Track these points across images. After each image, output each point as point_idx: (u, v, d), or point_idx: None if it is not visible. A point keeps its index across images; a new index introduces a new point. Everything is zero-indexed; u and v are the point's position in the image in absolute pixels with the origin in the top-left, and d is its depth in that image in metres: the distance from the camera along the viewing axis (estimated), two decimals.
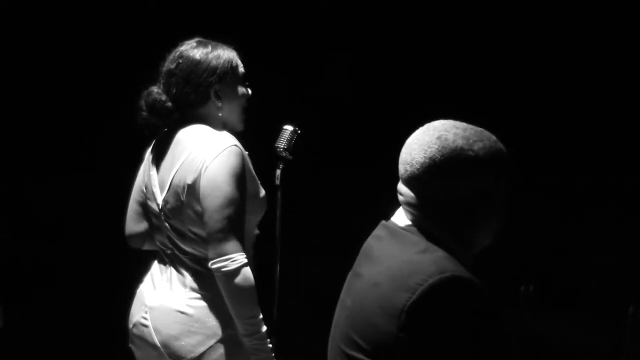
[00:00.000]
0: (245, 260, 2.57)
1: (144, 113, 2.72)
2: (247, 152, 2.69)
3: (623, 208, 4.87)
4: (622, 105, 4.91)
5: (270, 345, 2.62)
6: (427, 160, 1.78)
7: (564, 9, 4.85)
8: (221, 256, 2.54)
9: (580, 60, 4.93)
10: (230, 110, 2.74)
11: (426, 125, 1.85)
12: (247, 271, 2.56)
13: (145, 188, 2.80)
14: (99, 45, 5.04)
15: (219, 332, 2.63)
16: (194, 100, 2.69)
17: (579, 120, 5.00)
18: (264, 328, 2.60)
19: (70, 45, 5.05)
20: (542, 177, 5.12)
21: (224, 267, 2.54)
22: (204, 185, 2.57)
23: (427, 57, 5.15)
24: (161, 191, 2.71)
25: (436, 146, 1.78)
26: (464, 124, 1.84)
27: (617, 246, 4.74)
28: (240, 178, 2.59)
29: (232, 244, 2.55)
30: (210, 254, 2.57)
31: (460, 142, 1.78)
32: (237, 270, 2.54)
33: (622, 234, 4.73)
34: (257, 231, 2.80)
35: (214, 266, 2.55)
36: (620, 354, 4.41)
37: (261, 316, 2.59)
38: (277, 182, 3.02)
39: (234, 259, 2.55)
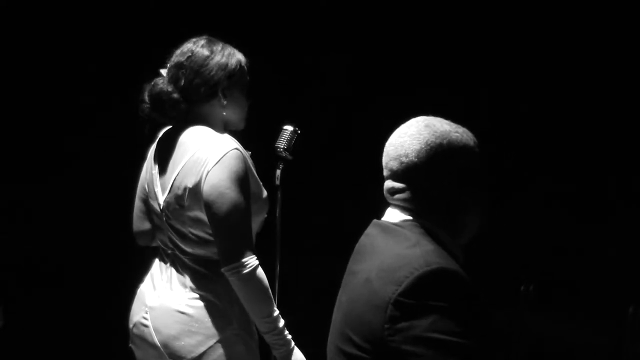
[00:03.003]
0: (257, 262, 2.58)
1: (147, 105, 2.71)
2: (249, 152, 2.69)
3: (623, 208, 4.87)
4: (618, 105, 4.91)
5: (290, 337, 2.64)
6: (423, 146, 1.85)
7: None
8: (233, 262, 2.55)
9: (590, 60, 4.93)
10: (233, 110, 2.74)
11: (404, 125, 1.92)
12: (260, 273, 2.58)
13: (147, 187, 2.80)
14: (99, 45, 5.04)
15: (219, 332, 2.64)
16: (202, 94, 2.69)
17: (582, 120, 5.00)
18: (282, 322, 2.62)
19: (69, 45, 5.05)
20: (542, 177, 5.13)
21: (237, 272, 2.55)
22: (207, 192, 2.57)
23: (428, 56, 5.15)
24: (163, 192, 2.71)
25: (427, 132, 1.86)
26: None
27: (617, 246, 4.74)
28: (244, 182, 2.60)
29: (243, 249, 2.56)
30: (221, 260, 2.58)
31: (446, 126, 1.87)
32: (250, 274, 2.55)
33: (622, 234, 4.73)
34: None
35: (227, 272, 2.57)
36: (620, 354, 4.41)
37: (277, 312, 2.61)
38: (277, 182, 3.03)
39: (246, 263, 2.56)
